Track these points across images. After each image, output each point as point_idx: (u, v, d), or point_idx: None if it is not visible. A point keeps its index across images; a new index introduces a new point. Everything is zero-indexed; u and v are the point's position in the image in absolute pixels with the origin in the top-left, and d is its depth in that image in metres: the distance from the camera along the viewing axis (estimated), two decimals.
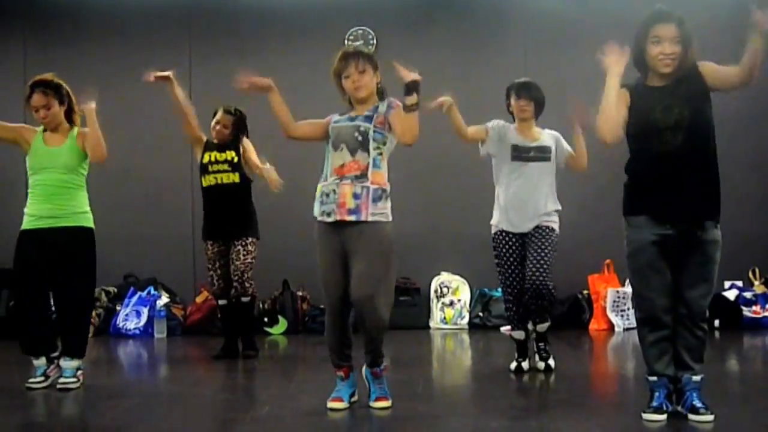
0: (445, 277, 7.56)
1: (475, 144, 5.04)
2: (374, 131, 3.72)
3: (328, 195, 3.70)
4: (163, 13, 7.83)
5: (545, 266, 4.57)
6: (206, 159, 5.53)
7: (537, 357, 4.83)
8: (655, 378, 3.44)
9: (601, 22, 7.59)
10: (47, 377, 4.42)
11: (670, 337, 3.43)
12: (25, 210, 4.49)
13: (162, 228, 7.52)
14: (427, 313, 7.44)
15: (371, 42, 7.75)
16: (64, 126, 4.51)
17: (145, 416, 3.78)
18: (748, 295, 6.99)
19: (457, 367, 5.80)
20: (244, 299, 5.49)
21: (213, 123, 5.59)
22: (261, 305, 7.20)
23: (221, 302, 5.61)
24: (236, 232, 5.46)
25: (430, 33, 7.81)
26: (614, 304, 7.05)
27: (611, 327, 7.02)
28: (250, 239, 5.47)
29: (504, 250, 4.74)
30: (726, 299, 6.92)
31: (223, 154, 5.49)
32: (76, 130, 4.50)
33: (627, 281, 7.18)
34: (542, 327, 4.79)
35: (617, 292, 7.06)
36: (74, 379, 4.39)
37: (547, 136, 4.84)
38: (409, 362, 5.43)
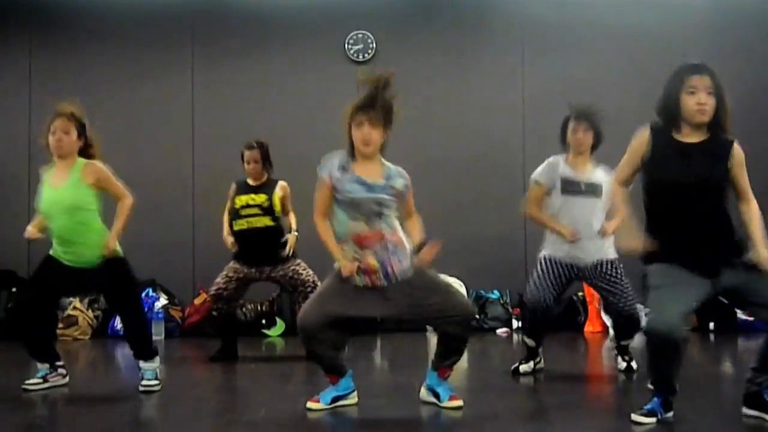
0: None
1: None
2: (392, 202, 3.75)
3: (349, 255, 3.72)
4: (167, 19, 7.87)
5: (627, 296, 4.61)
6: (238, 204, 5.53)
7: (620, 358, 4.85)
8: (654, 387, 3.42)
9: (595, 28, 7.65)
10: (46, 381, 4.45)
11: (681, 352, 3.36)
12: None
13: (162, 230, 7.54)
14: None
15: (371, 46, 7.78)
16: (72, 158, 4.38)
17: (142, 418, 3.81)
18: None
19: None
20: None
21: (245, 164, 5.59)
22: (258, 307, 7.23)
23: (215, 313, 5.66)
24: (274, 260, 5.50)
25: (429, 38, 7.85)
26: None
27: (605, 329, 7.05)
28: (296, 261, 5.52)
29: (548, 274, 4.66)
30: (720, 302, 6.93)
31: (255, 198, 5.50)
32: (81, 163, 4.37)
33: None
34: (626, 341, 4.82)
35: None
36: (155, 381, 4.45)
37: (600, 173, 4.71)
38: (406, 365, 5.46)
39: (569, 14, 7.71)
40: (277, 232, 5.54)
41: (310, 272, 5.52)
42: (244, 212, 5.47)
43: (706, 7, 7.64)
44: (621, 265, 4.66)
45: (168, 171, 7.76)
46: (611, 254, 4.66)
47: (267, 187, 5.55)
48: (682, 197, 3.31)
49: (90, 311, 7.09)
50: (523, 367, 4.78)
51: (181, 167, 7.78)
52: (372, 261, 3.68)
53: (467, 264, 7.54)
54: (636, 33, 7.64)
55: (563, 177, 4.65)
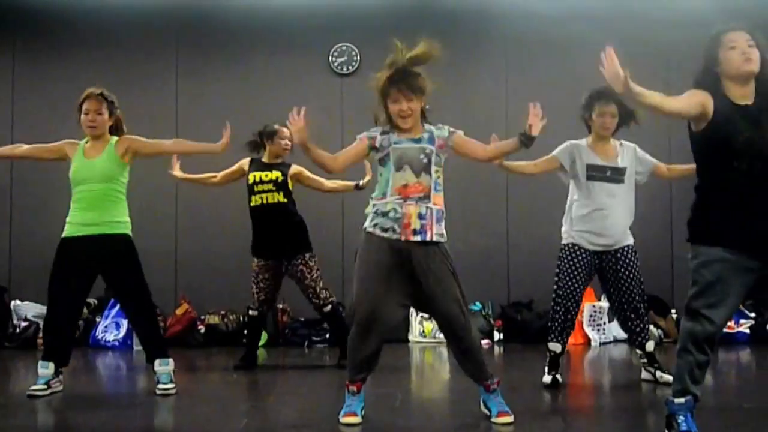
0: None
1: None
2: (436, 154, 3.73)
3: (386, 212, 3.66)
4: (151, 27, 7.88)
5: (641, 288, 4.62)
6: (251, 180, 5.63)
7: (659, 372, 4.69)
8: (682, 400, 3.22)
9: (582, 35, 7.71)
10: (49, 387, 4.51)
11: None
12: (67, 220, 4.62)
13: (144, 240, 7.43)
14: (406, 326, 7.47)
15: (355, 59, 7.82)
16: (105, 137, 4.66)
17: (122, 428, 3.79)
18: None
19: (435, 380, 5.84)
20: (326, 309, 5.62)
21: (280, 141, 5.67)
22: (241, 318, 7.21)
23: (252, 312, 5.71)
24: (288, 250, 5.58)
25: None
26: (591, 318, 7.13)
27: (588, 341, 7.09)
28: (307, 255, 5.59)
29: (571, 263, 4.63)
30: None
31: (268, 174, 5.59)
32: (114, 139, 4.64)
33: (603, 296, 7.25)
34: (650, 345, 4.72)
35: (593, 306, 7.13)
36: (172, 385, 4.55)
37: (625, 155, 4.70)
38: (388, 375, 5.45)
39: (554, 23, 7.76)
40: (290, 213, 5.61)
41: (315, 274, 5.58)
42: (257, 188, 5.58)
43: (692, 22, 7.65)
44: (638, 255, 4.68)
45: (151, 180, 7.73)
46: (631, 239, 4.69)
47: (282, 166, 5.65)
48: (750, 162, 3.13)
49: None
50: (558, 377, 4.73)
51: (164, 176, 7.73)
52: (412, 210, 3.62)
53: None
54: (618, 47, 7.69)
55: (587, 163, 4.64)
